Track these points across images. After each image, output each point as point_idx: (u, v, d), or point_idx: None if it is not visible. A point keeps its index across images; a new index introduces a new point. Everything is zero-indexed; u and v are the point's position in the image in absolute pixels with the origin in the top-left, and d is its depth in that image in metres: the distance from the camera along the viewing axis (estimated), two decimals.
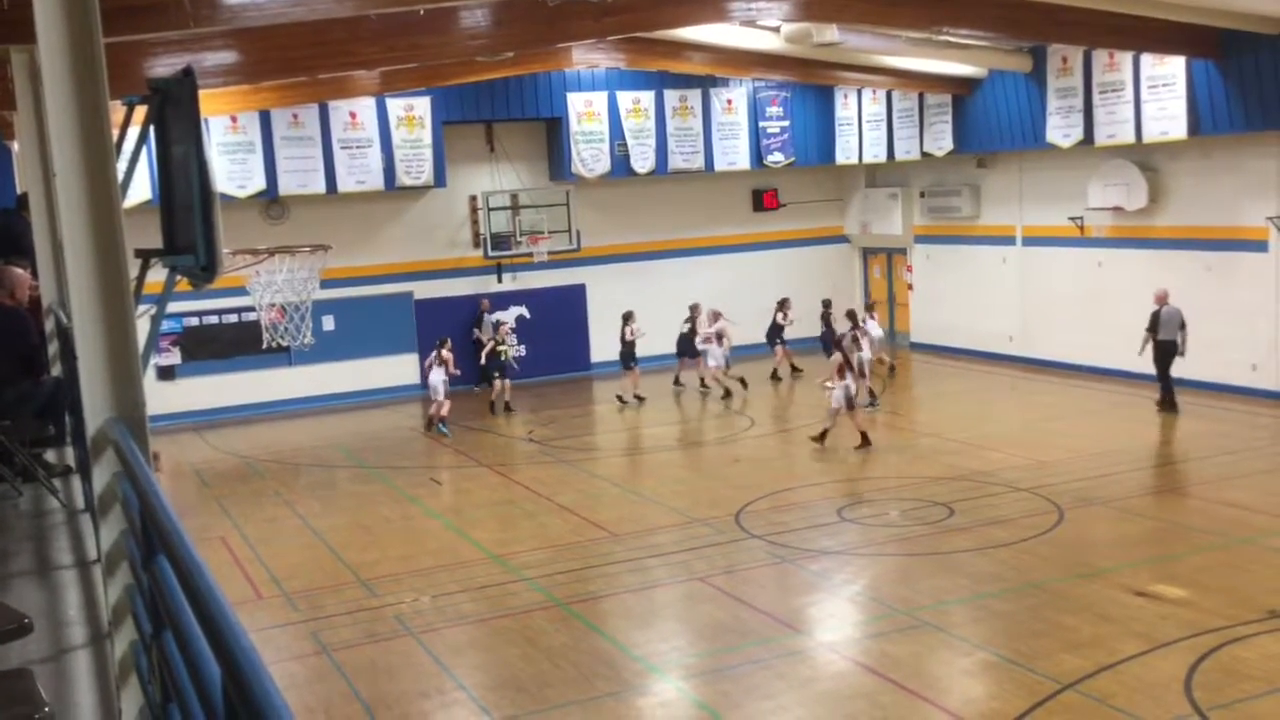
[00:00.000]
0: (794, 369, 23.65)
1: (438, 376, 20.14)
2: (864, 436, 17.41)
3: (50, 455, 7.49)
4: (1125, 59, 19.47)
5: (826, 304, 23.96)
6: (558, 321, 25.30)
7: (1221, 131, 18.44)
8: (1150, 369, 18.84)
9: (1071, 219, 22.12)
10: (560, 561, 13.19)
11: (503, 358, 21.78)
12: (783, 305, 23.80)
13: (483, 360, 22.16)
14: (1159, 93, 19.01)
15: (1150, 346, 18.59)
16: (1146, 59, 19.07)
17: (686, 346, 22.65)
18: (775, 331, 23.66)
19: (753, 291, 25.85)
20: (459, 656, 10.72)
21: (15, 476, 6.89)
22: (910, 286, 26.81)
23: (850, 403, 17.37)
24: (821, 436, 17.60)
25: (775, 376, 23.40)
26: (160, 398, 21.16)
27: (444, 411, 20.27)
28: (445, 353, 20.26)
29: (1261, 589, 11.08)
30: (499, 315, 24.59)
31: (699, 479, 16.76)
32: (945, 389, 22.25)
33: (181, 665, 2.64)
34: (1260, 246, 18.96)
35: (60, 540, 5.98)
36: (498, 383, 21.84)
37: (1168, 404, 18.68)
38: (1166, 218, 20.53)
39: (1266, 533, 12.75)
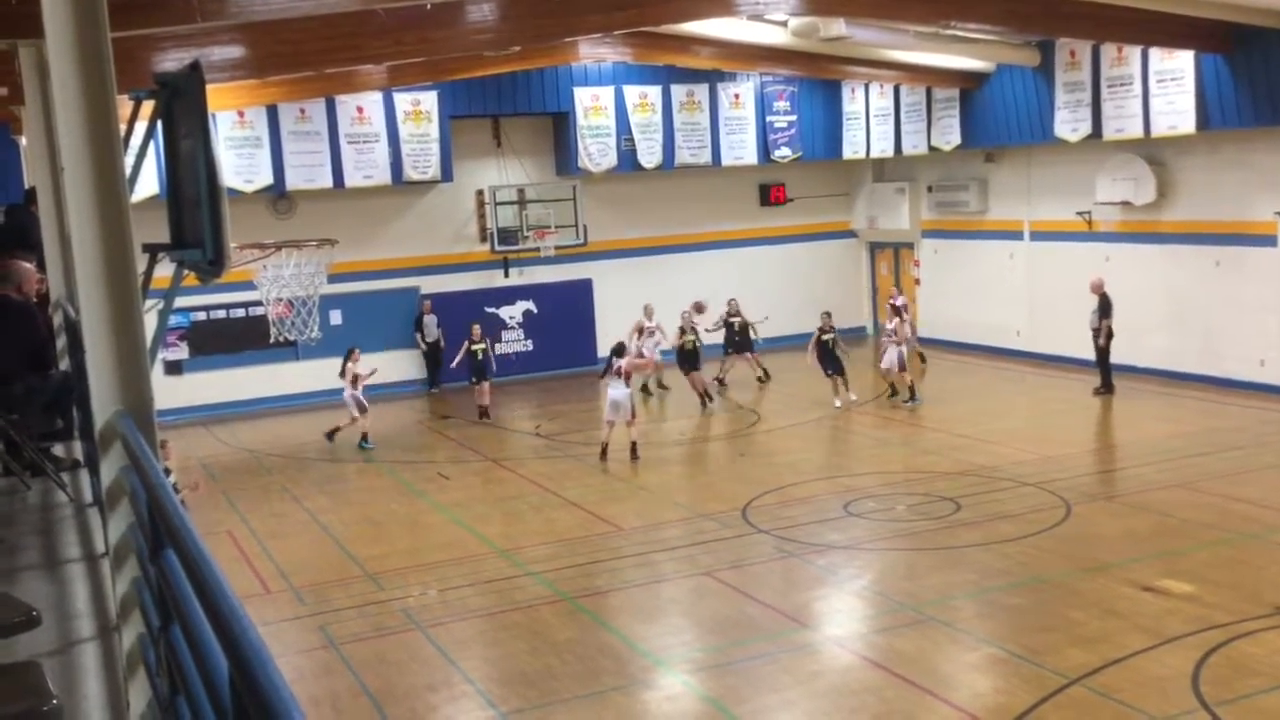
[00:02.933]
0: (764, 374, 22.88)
1: (347, 391, 19.39)
2: (633, 447, 17.38)
3: (58, 449, 7.51)
4: (1133, 53, 19.40)
5: (826, 315, 21.02)
6: (564, 316, 25.30)
7: (1230, 126, 18.38)
8: (1163, 364, 18.92)
9: (1079, 214, 22.07)
10: (567, 556, 13.21)
11: (479, 357, 20.87)
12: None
13: (454, 364, 21.77)
14: (1167, 87, 18.95)
15: (1098, 332, 19.72)
16: (1155, 53, 19.01)
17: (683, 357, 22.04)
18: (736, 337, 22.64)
19: (760, 286, 25.84)
20: (466, 650, 10.74)
21: (24, 470, 6.91)
22: (917, 281, 26.76)
23: (633, 409, 17.52)
24: (605, 451, 17.42)
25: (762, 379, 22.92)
26: (167, 392, 21.19)
27: (362, 427, 19.36)
28: (350, 364, 19.40)
29: (1269, 585, 11.06)
30: (508, 310, 24.73)
31: (705, 474, 16.76)
32: (952, 384, 22.21)
33: (189, 658, 2.65)
34: (1269, 241, 18.90)
35: (68, 534, 6.00)
36: (481, 385, 20.86)
37: (1108, 387, 19.81)
38: (1175, 212, 20.48)
39: (1274, 528, 12.72)
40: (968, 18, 17.40)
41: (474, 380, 20.98)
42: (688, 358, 21.14)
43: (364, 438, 19.39)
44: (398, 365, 24.00)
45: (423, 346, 23.69)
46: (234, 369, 22.99)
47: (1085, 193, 21.65)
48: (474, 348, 20.81)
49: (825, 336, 20.16)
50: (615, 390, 17.36)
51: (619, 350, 17.90)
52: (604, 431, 17.59)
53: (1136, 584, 11.23)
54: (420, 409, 22.72)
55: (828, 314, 20.70)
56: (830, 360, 20.09)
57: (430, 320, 23.58)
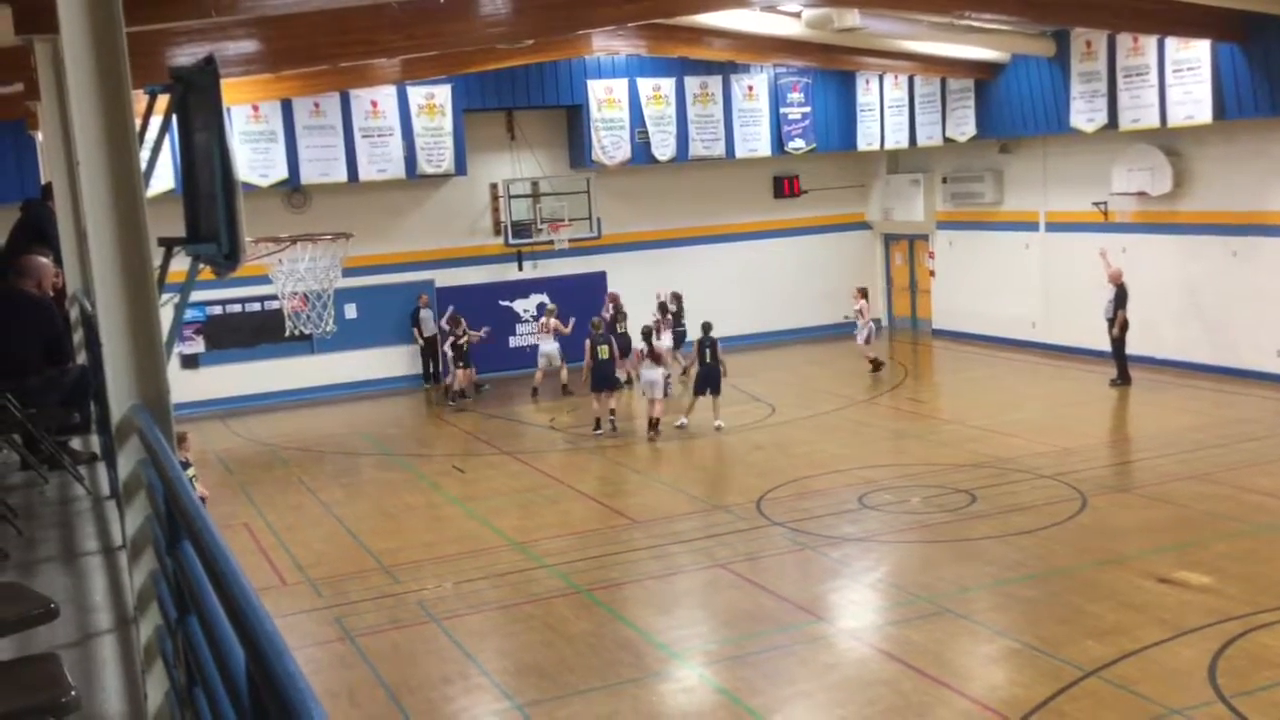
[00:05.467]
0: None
1: (552, 345, 22.12)
2: (654, 423, 18.34)
3: (76, 442, 7.55)
4: (1149, 42, 19.30)
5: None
6: (578, 309, 25.16)
7: (1247, 115, 18.27)
8: (1180, 355, 18.85)
9: (1095, 204, 21.97)
10: (582, 548, 13.23)
11: (465, 348, 21.91)
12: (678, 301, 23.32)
13: (449, 353, 22.22)
14: (1184, 76, 18.84)
15: (1113, 322, 19.73)
16: (1171, 42, 18.90)
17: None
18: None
19: (774, 279, 25.82)
20: (481, 642, 10.77)
21: (41, 464, 6.95)
22: (932, 273, 26.69)
23: (666, 389, 18.53)
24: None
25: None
26: (184, 386, 21.29)
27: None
28: (554, 320, 22.09)
29: None
30: (516, 303, 24.78)
31: (720, 466, 16.76)
32: (967, 375, 22.17)
33: (206, 650, 2.67)
34: None
35: (86, 526, 6.03)
36: (461, 372, 21.96)
37: (1124, 378, 19.83)
38: (1191, 203, 20.37)
39: None
40: (982, 8, 17.33)
41: (461, 366, 21.97)
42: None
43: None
44: (413, 358, 24.08)
45: (419, 341, 23.73)
46: (250, 363, 23.07)
47: (1101, 183, 21.56)
48: (460, 341, 21.81)
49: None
50: (650, 371, 18.32)
51: (648, 334, 19.02)
52: (647, 408, 18.46)
53: (1153, 576, 11.19)
54: (428, 402, 22.76)
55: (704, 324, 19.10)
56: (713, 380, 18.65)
57: (427, 315, 23.58)
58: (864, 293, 23.17)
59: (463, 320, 22.17)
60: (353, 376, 23.71)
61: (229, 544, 2.61)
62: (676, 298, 23.40)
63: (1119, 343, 19.71)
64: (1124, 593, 10.82)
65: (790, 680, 9.46)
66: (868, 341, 22.46)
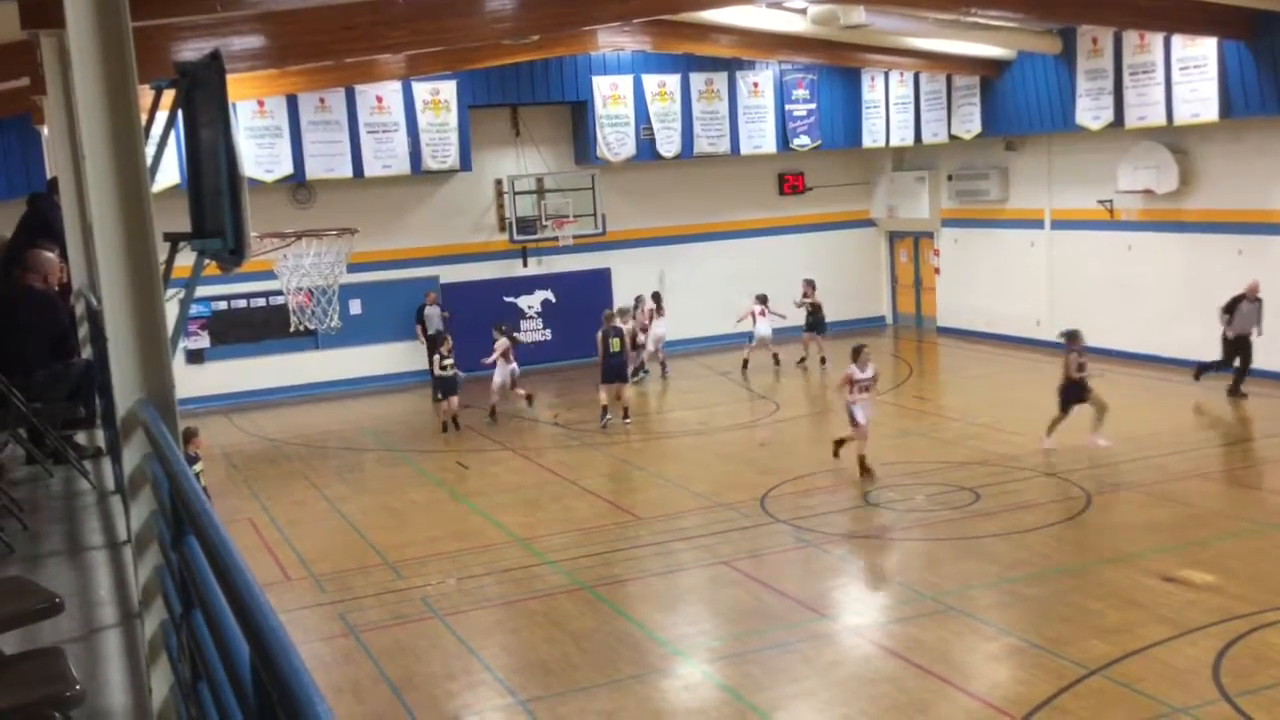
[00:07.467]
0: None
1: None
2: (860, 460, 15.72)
3: (81, 437, 7.56)
4: (1156, 40, 19.26)
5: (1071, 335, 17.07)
6: (583, 305, 25.24)
7: (1253, 114, 18.23)
8: (1185, 354, 18.76)
9: (1101, 202, 21.94)
10: (585, 545, 13.23)
11: (448, 373, 19.28)
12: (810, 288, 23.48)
13: (434, 375, 20.32)
14: (1190, 74, 18.80)
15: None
16: (1177, 40, 18.86)
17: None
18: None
19: (778, 275, 25.78)
20: (485, 638, 10.78)
21: (47, 458, 6.97)
22: (937, 270, 26.67)
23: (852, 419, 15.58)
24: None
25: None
26: (189, 381, 21.31)
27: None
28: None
29: None
30: (524, 300, 24.78)
31: (724, 463, 16.74)
32: (972, 373, 22.14)
33: (211, 644, 2.67)
34: None
35: (91, 521, 6.05)
36: (444, 402, 19.62)
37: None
38: (1197, 201, 20.33)
39: None
40: (989, 5, 17.29)
41: (439, 397, 20.10)
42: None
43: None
44: (417, 354, 24.08)
45: (421, 340, 23.58)
46: (255, 358, 23.10)
47: (1107, 181, 21.52)
48: (445, 363, 19.33)
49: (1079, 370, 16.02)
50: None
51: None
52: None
53: (1157, 574, 11.18)
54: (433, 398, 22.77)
55: (1073, 333, 16.73)
56: (1076, 390, 16.01)
57: (433, 312, 23.38)
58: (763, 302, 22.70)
59: (449, 339, 20.00)
60: (357, 372, 23.73)
61: (233, 539, 2.61)
62: (809, 284, 23.27)
63: (1249, 352, 18.43)
64: (1128, 591, 10.81)
65: (793, 677, 9.46)
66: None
